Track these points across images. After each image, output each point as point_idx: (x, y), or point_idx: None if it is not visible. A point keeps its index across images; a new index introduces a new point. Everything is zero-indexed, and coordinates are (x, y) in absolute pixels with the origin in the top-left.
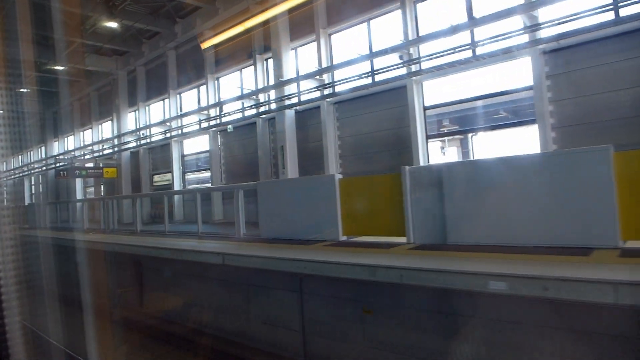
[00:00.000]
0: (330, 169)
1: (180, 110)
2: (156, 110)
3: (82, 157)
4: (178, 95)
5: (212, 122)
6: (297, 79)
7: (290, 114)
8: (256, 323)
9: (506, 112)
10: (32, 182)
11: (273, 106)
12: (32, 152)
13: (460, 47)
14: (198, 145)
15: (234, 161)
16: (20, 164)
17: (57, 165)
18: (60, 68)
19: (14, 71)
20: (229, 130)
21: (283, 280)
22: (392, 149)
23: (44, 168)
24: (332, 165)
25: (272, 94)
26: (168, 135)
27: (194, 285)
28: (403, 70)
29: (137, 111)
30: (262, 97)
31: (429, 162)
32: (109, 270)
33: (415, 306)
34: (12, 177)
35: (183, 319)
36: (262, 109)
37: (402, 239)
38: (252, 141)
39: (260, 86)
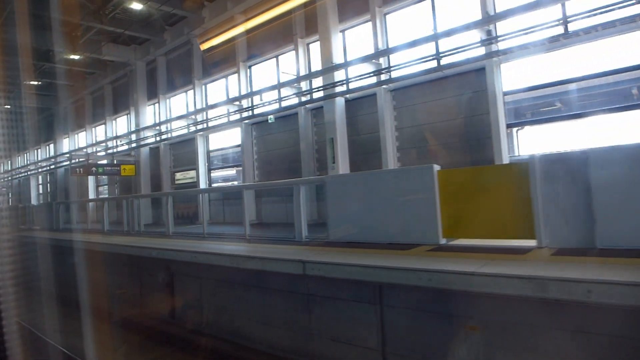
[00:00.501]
0: (389, 163)
1: (207, 102)
2: (178, 102)
3: (96, 154)
4: (204, 86)
5: (245, 114)
6: (349, 63)
7: (340, 102)
8: (321, 340)
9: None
10: (40, 182)
11: (319, 94)
12: (39, 150)
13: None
14: (226, 139)
15: (269, 156)
16: (26, 162)
17: (71, 162)
18: (74, 58)
19: (18, 62)
20: (269, 121)
21: (355, 290)
22: (463, 141)
23: (52, 166)
24: (389, 158)
25: (318, 82)
26: (193, 129)
27: (238, 296)
28: (481, 51)
29: (156, 104)
30: (303, 86)
31: (509, 154)
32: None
33: (542, 323)
34: (17, 176)
35: (234, 336)
36: (307, 97)
37: (530, 242)
38: (292, 134)
39: (302, 73)
